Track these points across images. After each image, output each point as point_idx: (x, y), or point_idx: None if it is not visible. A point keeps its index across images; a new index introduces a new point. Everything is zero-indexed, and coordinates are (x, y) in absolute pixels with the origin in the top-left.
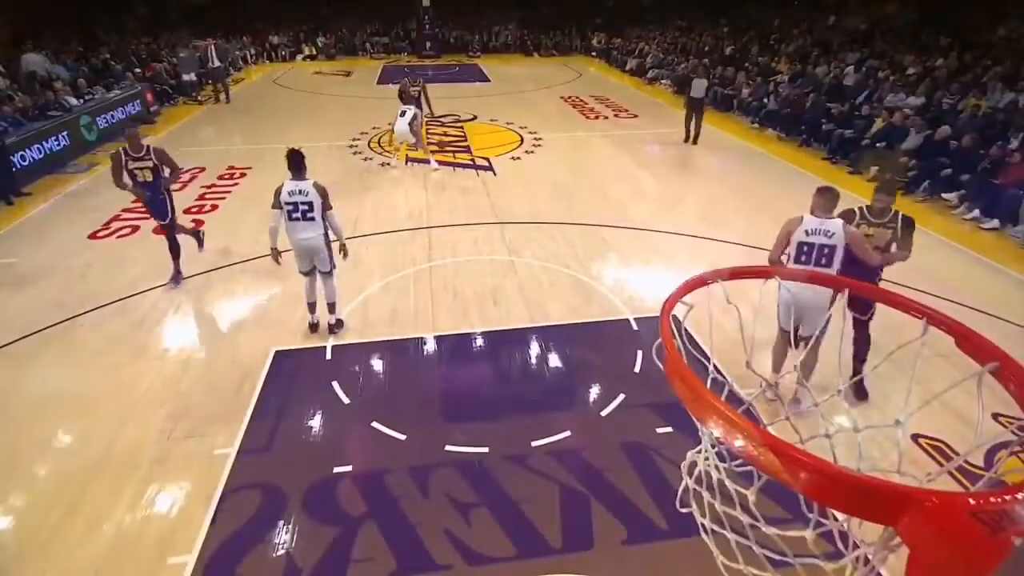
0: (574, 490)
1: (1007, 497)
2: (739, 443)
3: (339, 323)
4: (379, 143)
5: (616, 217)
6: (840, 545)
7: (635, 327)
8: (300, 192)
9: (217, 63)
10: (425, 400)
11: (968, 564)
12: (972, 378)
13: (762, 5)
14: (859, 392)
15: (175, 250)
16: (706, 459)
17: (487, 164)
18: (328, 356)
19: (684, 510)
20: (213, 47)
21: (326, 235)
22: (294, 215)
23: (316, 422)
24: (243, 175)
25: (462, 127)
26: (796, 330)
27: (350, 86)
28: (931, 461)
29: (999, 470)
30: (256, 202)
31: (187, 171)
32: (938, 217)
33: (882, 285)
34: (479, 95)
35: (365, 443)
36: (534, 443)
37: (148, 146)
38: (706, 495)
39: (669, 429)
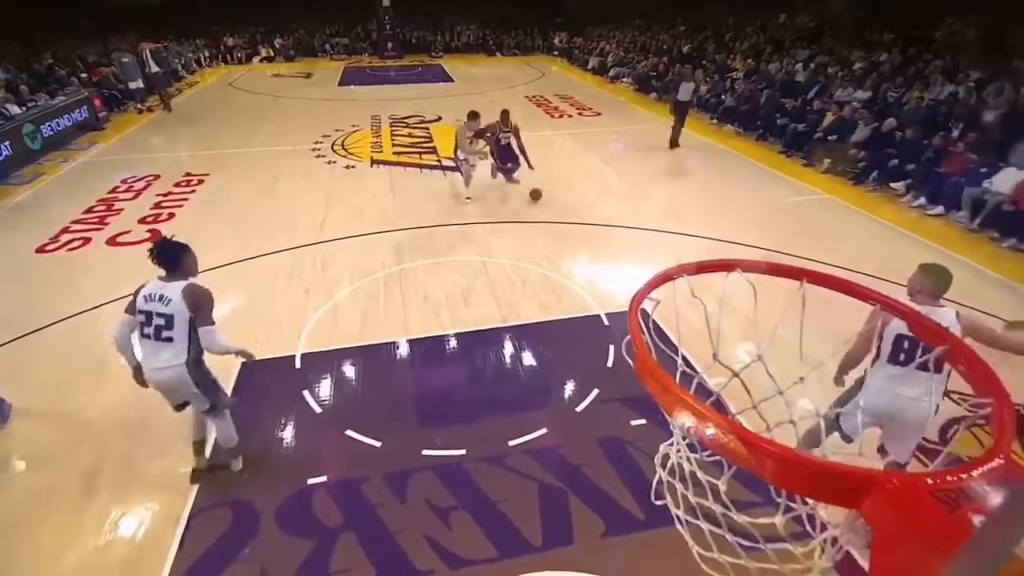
0: (552, 487)
1: (963, 475)
2: (708, 434)
3: (241, 470)
4: (343, 146)
5: (585, 215)
6: (808, 528)
7: (606, 322)
8: (160, 299)
9: (155, 68)
10: (399, 405)
11: (929, 542)
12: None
13: (717, 4)
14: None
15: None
16: (678, 451)
17: (454, 165)
18: (297, 365)
19: (659, 502)
20: (149, 52)
21: (195, 363)
22: (145, 330)
23: (287, 434)
24: (200, 182)
25: (427, 128)
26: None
27: (311, 88)
28: None
29: (953, 446)
30: (215, 210)
31: (141, 178)
32: (887, 205)
33: (839, 273)
34: (444, 96)
35: (339, 452)
36: (511, 442)
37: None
38: (679, 487)
39: (643, 421)
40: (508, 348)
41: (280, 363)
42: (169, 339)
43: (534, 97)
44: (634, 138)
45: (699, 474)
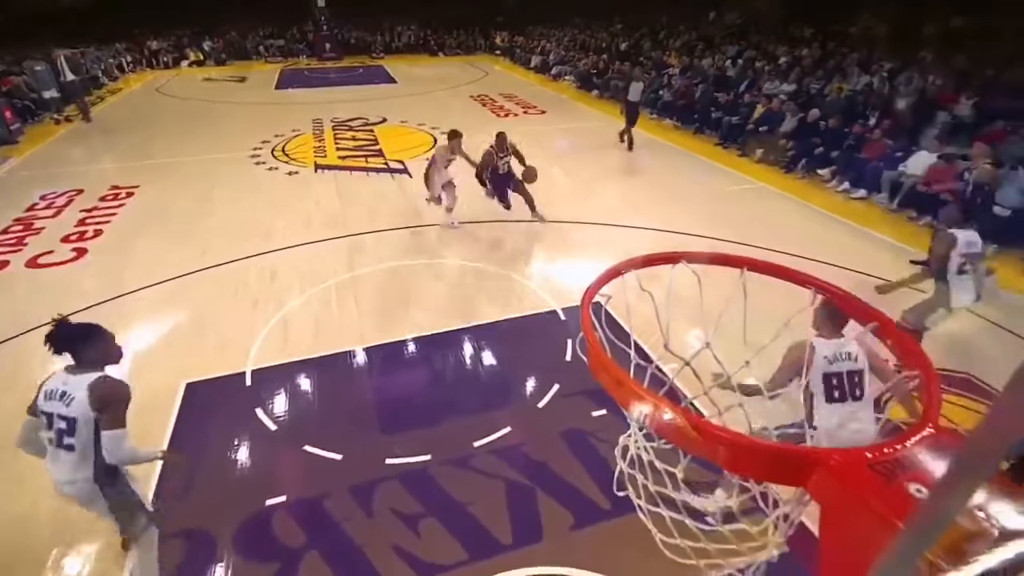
0: (519, 484)
1: (898, 447)
2: (661, 424)
3: None
4: (284, 151)
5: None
6: (762, 505)
7: (563, 317)
8: (62, 397)
9: (71, 76)
10: (359, 415)
11: (870, 512)
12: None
13: (652, 3)
14: None
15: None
16: (636, 442)
17: (402, 167)
18: (248, 382)
19: (621, 493)
20: (63, 58)
21: (107, 477)
22: (48, 434)
23: (241, 454)
24: (130, 195)
25: (372, 130)
26: None
27: (246, 92)
28: None
29: (888, 414)
30: (149, 224)
31: (62, 194)
32: (815, 191)
33: (776, 257)
34: (386, 97)
35: (298, 469)
36: (476, 444)
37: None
38: (639, 477)
39: (603, 412)
40: (468, 349)
41: (229, 381)
42: (71, 447)
43: (478, 96)
44: (579, 135)
45: (657, 463)
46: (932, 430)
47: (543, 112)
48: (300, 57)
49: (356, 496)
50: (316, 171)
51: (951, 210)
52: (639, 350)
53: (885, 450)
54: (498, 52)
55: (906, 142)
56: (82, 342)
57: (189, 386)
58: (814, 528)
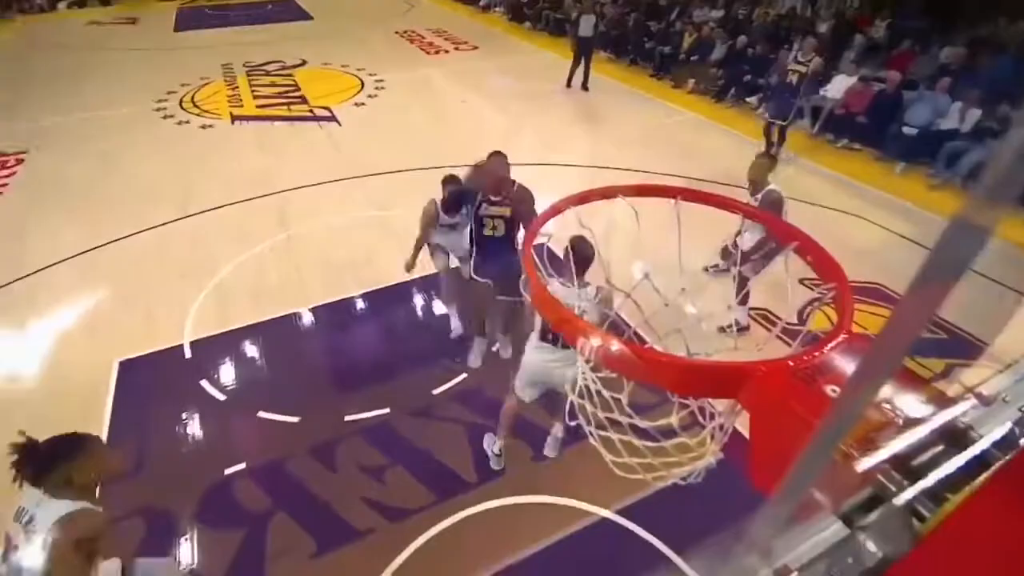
0: (480, 426)
1: (816, 353)
2: (605, 355)
3: None
4: (194, 102)
5: (478, 155)
6: (700, 418)
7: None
8: (29, 522)
9: None
10: (313, 377)
11: (792, 414)
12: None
13: None
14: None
15: None
16: (583, 374)
17: (329, 114)
18: (188, 355)
19: (573, 423)
20: None
21: None
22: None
23: (191, 428)
24: (19, 162)
25: (291, 74)
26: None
27: (140, 37)
28: (761, 328)
29: (811, 325)
30: (46, 194)
31: None
32: (744, 119)
33: (707, 186)
34: (303, 36)
35: (255, 436)
36: (435, 392)
37: None
38: (588, 406)
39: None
40: (419, 300)
41: (165, 356)
42: None
43: (405, 33)
44: (513, 72)
45: (604, 392)
46: (846, 336)
47: (475, 48)
48: None
49: (318, 455)
50: (233, 123)
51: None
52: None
53: (805, 357)
54: None
55: (827, 66)
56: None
57: (123, 364)
58: (746, 433)
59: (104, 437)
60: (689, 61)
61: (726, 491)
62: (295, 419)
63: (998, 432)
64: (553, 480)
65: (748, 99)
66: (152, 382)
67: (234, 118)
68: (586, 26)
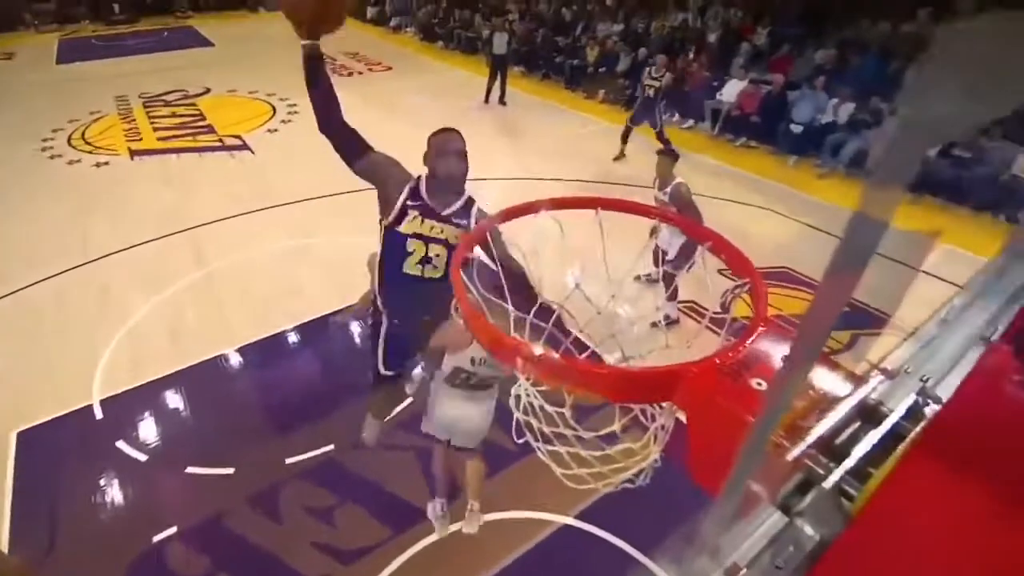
0: (429, 449)
1: (738, 348)
2: (543, 373)
3: None
4: (84, 139)
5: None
6: (643, 419)
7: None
8: None
9: None
10: (246, 422)
11: (723, 411)
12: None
13: None
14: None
15: None
16: (525, 391)
17: (241, 143)
18: (99, 415)
19: (520, 440)
20: None
21: None
22: None
23: (109, 496)
24: None
25: (195, 104)
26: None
27: (18, 71)
28: (691, 320)
29: (732, 313)
30: None
31: None
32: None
33: (625, 190)
34: (204, 64)
35: (184, 494)
36: None
37: None
38: (534, 422)
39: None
40: (355, 328)
41: (74, 419)
42: None
43: None
44: (429, 90)
45: (547, 407)
46: (764, 328)
47: (389, 68)
48: (82, 23)
49: (259, 505)
50: (133, 158)
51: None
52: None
53: (729, 353)
54: None
55: (719, 72)
56: None
57: (22, 436)
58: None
59: (5, 523)
60: (597, 73)
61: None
62: (229, 470)
63: (905, 404)
64: (510, 494)
65: None
66: (59, 451)
67: (133, 153)
68: (499, 43)
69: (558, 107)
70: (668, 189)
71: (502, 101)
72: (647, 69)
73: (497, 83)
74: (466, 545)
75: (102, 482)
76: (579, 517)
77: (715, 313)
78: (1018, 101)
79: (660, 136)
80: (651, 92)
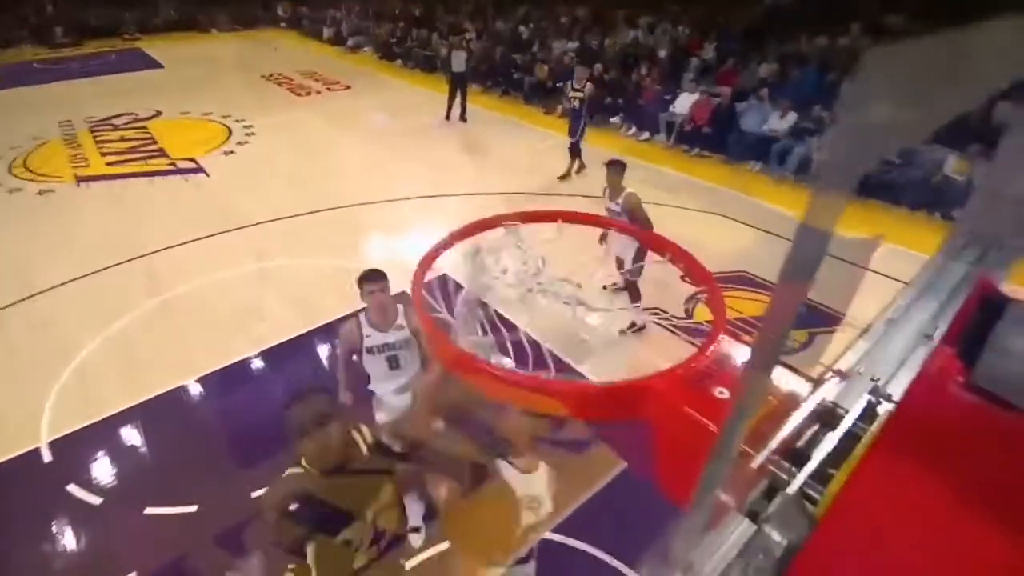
0: (406, 470)
1: (700, 358)
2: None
3: None
4: (26, 166)
5: (360, 194)
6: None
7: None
8: None
9: None
10: (209, 456)
11: (689, 421)
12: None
13: None
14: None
15: None
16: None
17: (195, 165)
18: (47, 457)
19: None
20: None
21: None
22: None
23: (62, 544)
24: None
25: (145, 126)
26: None
27: None
28: (656, 326)
29: (694, 316)
30: None
31: None
32: (610, 138)
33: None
34: (154, 86)
35: (143, 537)
36: None
37: None
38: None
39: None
40: (322, 350)
41: (19, 465)
42: None
43: (272, 76)
44: (389, 108)
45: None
46: (724, 336)
47: (348, 87)
48: (22, 46)
49: (224, 543)
50: (79, 185)
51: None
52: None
53: (692, 364)
54: (283, 24)
55: (671, 86)
56: None
57: None
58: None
59: None
60: (555, 88)
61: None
62: (191, 508)
63: (859, 405)
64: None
65: (611, 119)
66: (4, 498)
67: (80, 179)
68: (458, 62)
69: (518, 122)
70: (620, 199)
71: (463, 118)
72: (568, 82)
73: (457, 100)
74: (443, 569)
75: (53, 529)
76: (555, 530)
77: (679, 319)
78: (951, 114)
79: (574, 147)
80: (576, 103)
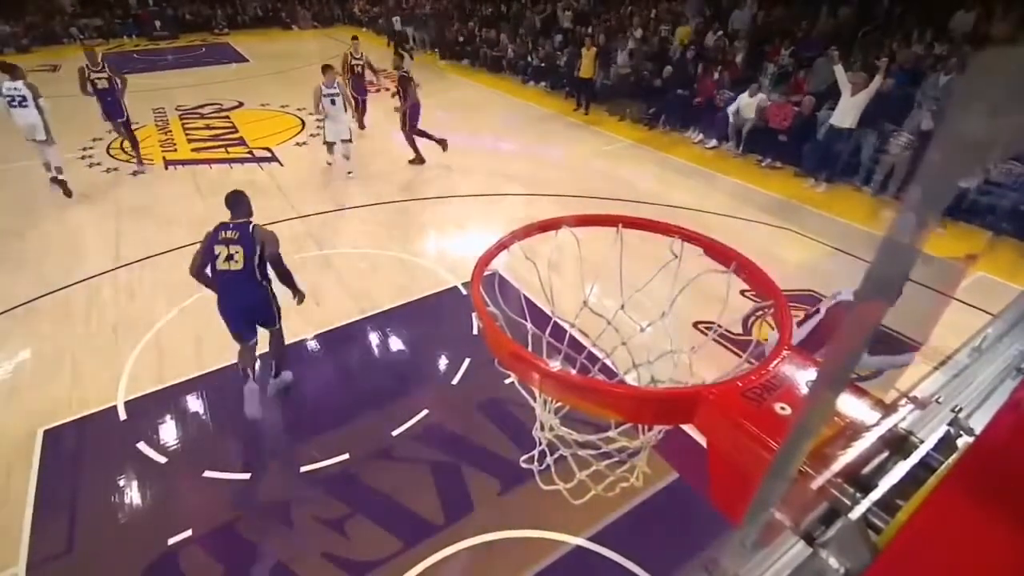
0: (443, 463)
1: (763, 372)
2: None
3: None
4: (123, 148)
5: (418, 189)
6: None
7: (464, 292)
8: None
9: None
10: (264, 428)
11: (747, 435)
12: (721, 274)
13: None
14: None
15: (134, 143)
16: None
17: (270, 155)
18: (122, 416)
19: (539, 467)
20: None
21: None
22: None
23: (128, 497)
24: None
25: (228, 116)
26: None
27: (62, 84)
28: (710, 340)
29: (755, 333)
30: None
31: None
32: (677, 145)
33: (646, 208)
34: (239, 78)
35: (200, 499)
36: (394, 432)
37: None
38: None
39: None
40: (373, 339)
41: (96, 420)
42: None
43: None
44: (449, 103)
45: (577, 437)
46: (788, 352)
47: (418, 86)
48: (125, 38)
49: (272, 513)
50: (167, 168)
51: None
52: (542, 319)
53: (752, 377)
54: (358, 22)
55: (742, 90)
56: None
57: (48, 433)
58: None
59: (27, 515)
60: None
61: (690, 509)
62: (245, 476)
63: (936, 435)
64: (522, 513)
65: (679, 127)
66: (82, 450)
67: (168, 163)
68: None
69: (583, 124)
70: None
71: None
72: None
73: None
74: (473, 564)
75: (121, 482)
76: (592, 539)
77: (736, 335)
78: None
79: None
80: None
